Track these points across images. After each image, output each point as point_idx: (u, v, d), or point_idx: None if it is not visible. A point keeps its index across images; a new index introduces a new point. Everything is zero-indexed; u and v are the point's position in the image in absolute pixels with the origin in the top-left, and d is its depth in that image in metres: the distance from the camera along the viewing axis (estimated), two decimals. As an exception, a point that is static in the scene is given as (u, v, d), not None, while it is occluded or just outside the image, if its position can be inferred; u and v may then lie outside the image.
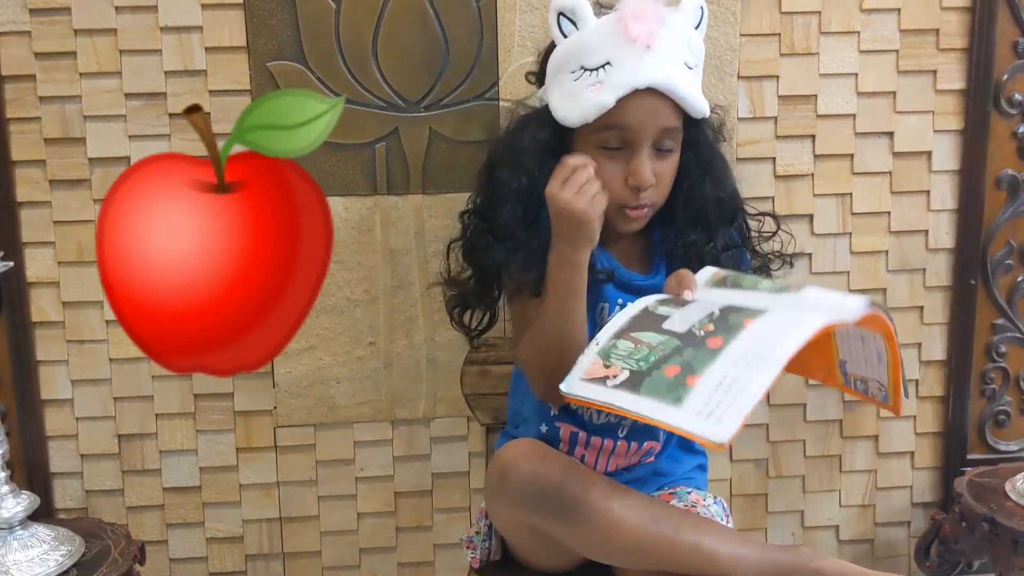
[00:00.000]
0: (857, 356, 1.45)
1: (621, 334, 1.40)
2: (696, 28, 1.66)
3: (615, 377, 1.33)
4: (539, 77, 1.75)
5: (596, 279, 1.66)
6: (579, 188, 1.53)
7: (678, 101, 1.60)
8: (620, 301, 1.70)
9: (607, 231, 1.68)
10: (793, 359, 1.39)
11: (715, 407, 1.22)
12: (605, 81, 1.57)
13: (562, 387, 1.36)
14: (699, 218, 1.71)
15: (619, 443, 1.74)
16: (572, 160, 1.54)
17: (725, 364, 1.26)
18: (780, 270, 1.85)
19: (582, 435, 1.74)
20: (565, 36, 1.64)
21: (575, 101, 1.61)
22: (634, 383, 1.30)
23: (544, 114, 1.68)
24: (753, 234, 1.82)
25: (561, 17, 1.63)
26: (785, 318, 1.32)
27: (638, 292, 1.66)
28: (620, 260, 1.74)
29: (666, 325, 1.38)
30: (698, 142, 1.70)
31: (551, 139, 1.66)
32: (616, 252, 1.74)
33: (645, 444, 1.75)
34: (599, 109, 1.58)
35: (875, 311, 1.36)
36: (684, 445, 1.84)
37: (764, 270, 1.81)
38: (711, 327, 1.33)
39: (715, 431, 1.20)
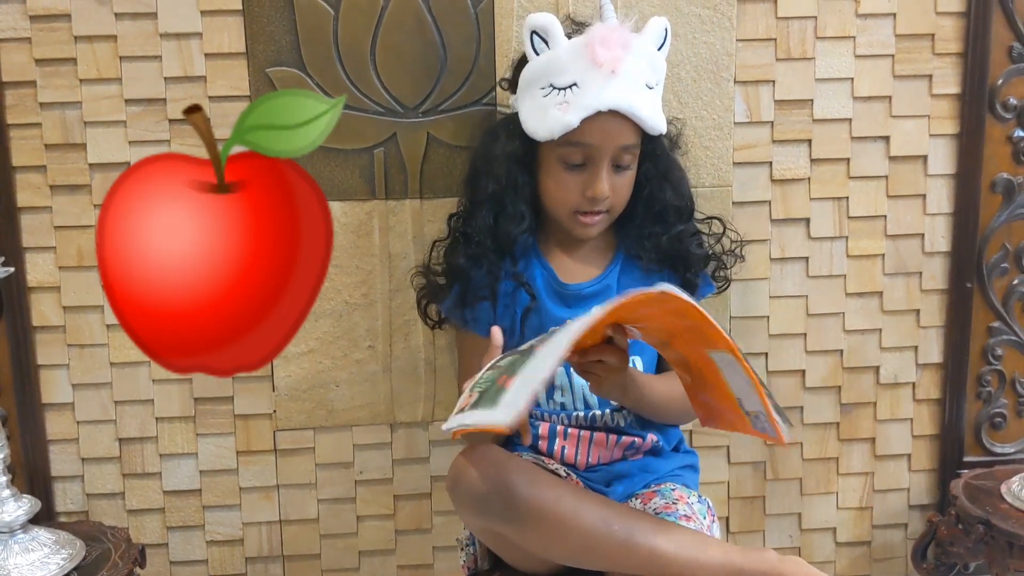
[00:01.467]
0: (742, 389, 1.48)
1: (490, 367, 1.48)
2: (659, 49, 1.77)
3: (470, 401, 1.41)
4: (512, 84, 1.85)
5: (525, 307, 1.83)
6: None
7: (638, 122, 1.72)
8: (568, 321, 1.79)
9: (569, 233, 1.83)
10: (715, 416, 1.56)
11: (516, 397, 1.30)
12: (572, 102, 1.69)
13: (443, 427, 1.44)
14: (660, 214, 1.83)
15: (596, 434, 1.81)
16: None
17: (534, 360, 1.35)
18: (734, 265, 1.97)
19: (560, 428, 1.81)
20: (537, 53, 1.74)
21: (543, 117, 1.72)
22: (477, 401, 1.39)
23: (515, 124, 1.80)
24: (705, 236, 1.93)
25: (534, 35, 1.74)
26: (583, 314, 1.40)
27: (582, 301, 1.81)
28: (576, 262, 1.87)
29: (519, 348, 1.49)
30: (655, 154, 1.82)
31: (520, 149, 1.79)
32: (574, 254, 1.87)
33: (624, 438, 1.82)
34: (564, 128, 1.70)
35: (663, 289, 1.40)
36: (672, 445, 1.88)
37: (720, 267, 1.94)
38: (544, 337, 1.44)
39: (504, 415, 1.29)
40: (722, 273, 1.95)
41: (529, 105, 1.76)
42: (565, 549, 1.56)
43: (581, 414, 1.81)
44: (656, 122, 1.75)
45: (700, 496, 1.80)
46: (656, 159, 1.82)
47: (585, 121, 1.69)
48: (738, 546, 1.59)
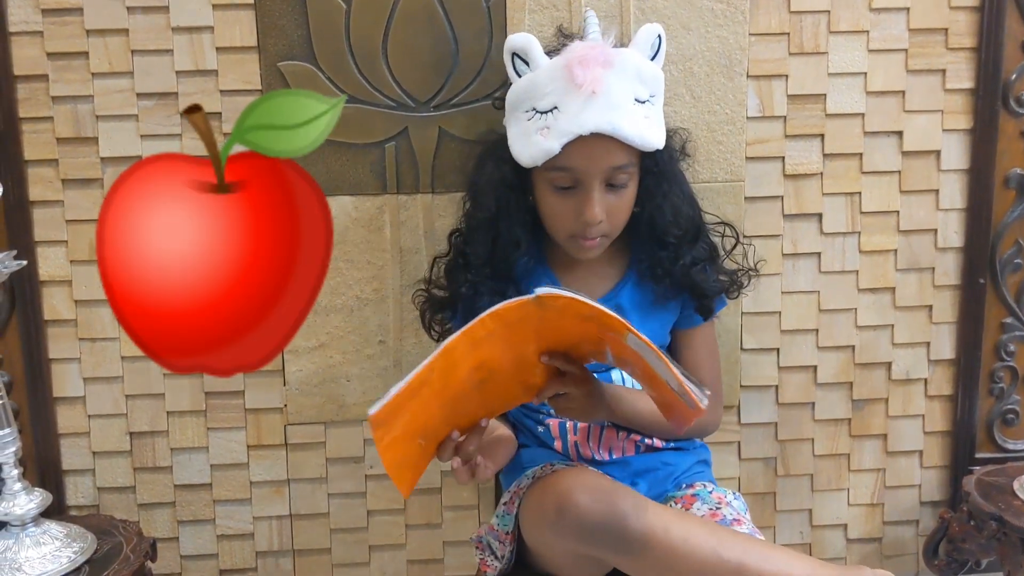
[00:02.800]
0: (661, 370, 1.45)
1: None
2: (653, 58, 1.70)
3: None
4: (503, 103, 1.80)
5: None
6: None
7: (624, 142, 1.64)
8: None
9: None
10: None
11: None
12: (552, 126, 1.63)
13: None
14: (663, 238, 1.77)
15: (606, 430, 1.80)
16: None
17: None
18: (749, 283, 1.92)
19: (569, 423, 1.80)
20: (519, 76, 1.71)
21: (526, 143, 1.67)
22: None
23: (505, 147, 1.75)
24: (719, 249, 1.87)
25: (515, 57, 1.70)
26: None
27: None
28: (586, 277, 1.81)
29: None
30: (656, 170, 1.75)
31: (511, 174, 1.74)
32: (582, 269, 1.81)
33: (633, 434, 1.81)
34: (546, 154, 1.64)
35: (548, 291, 1.39)
36: (683, 440, 1.87)
37: (732, 285, 1.87)
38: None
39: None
40: (736, 293, 1.89)
41: (515, 130, 1.71)
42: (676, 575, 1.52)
43: None
44: (648, 138, 1.66)
45: (735, 493, 1.79)
46: (657, 175, 1.75)
47: (568, 145, 1.63)
48: (839, 565, 1.58)
